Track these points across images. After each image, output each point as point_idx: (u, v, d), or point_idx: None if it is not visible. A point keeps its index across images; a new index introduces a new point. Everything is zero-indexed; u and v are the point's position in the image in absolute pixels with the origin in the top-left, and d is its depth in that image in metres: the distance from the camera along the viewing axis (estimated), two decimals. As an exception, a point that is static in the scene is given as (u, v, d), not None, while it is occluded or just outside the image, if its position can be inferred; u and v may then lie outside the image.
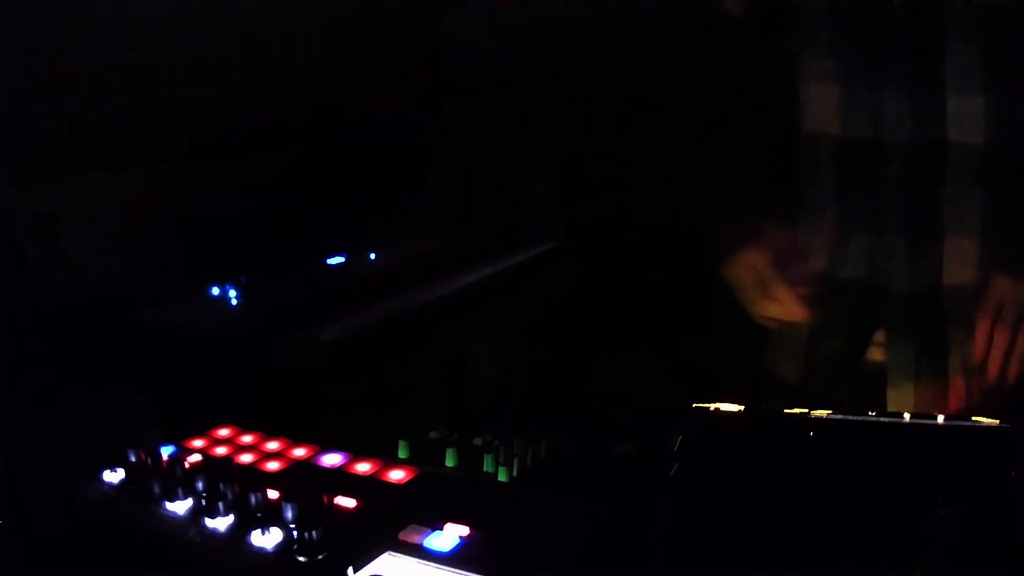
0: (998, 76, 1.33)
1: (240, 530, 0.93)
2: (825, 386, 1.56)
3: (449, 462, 1.07)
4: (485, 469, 1.04)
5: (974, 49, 1.33)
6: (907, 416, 1.08)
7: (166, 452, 1.10)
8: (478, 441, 1.11)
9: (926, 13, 1.33)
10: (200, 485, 1.00)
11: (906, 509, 0.87)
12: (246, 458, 1.11)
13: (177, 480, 1.00)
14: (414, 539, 0.88)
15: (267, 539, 0.90)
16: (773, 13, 1.46)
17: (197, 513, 0.97)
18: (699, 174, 1.56)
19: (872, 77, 1.38)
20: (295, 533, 0.90)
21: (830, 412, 1.10)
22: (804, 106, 1.46)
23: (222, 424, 1.21)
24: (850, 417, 1.09)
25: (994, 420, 1.04)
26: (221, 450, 1.14)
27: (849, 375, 1.58)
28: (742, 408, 1.14)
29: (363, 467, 1.06)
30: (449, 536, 0.88)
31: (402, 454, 1.10)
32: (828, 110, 1.43)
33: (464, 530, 0.89)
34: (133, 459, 1.07)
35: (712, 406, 1.15)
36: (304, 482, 1.04)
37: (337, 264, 1.83)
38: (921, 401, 1.48)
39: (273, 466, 1.08)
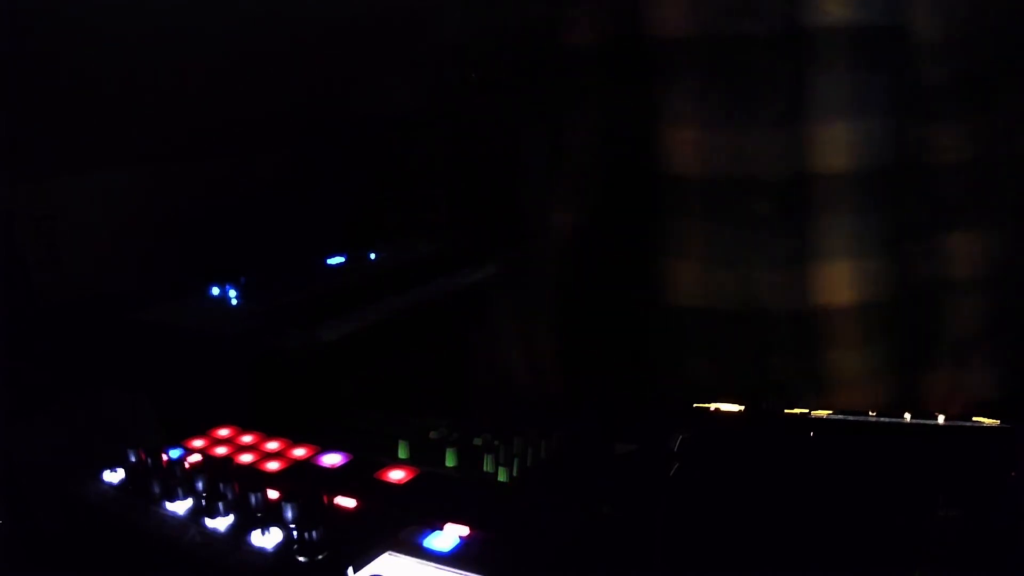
0: (861, 101, 1.33)
1: (240, 530, 0.93)
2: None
3: (449, 462, 1.07)
4: (485, 469, 1.04)
5: (837, 77, 1.33)
6: (907, 416, 1.08)
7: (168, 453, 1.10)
8: (478, 441, 1.11)
9: (789, 45, 1.34)
10: (200, 485, 1.00)
11: (906, 509, 0.87)
12: (246, 458, 1.11)
13: (177, 480, 1.00)
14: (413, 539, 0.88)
15: (267, 539, 0.90)
16: (628, 52, 1.46)
17: (197, 513, 0.97)
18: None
19: (736, 116, 1.38)
20: (295, 533, 0.90)
21: (830, 412, 1.10)
22: (667, 147, 1.45)
23: (222, 424, 1.21)
24: (850, 417, 1.09)
25: (994, 420, 1.04)
26: (221, 450, 1.14)
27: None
28: (742, 408, 1.14)
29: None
30: (449, 536, 0.88)
31: (402, 454, 1.10)
32: (692, 151, 1.43)
33: (464, 530, 0.89)
34: (133, 459, 1.07)
35: (712, 406, 1.15)
36: (304, 482, 1.04)
37: (337, 264, 1.83)
38: None
39: (273, 466, 1.08)
